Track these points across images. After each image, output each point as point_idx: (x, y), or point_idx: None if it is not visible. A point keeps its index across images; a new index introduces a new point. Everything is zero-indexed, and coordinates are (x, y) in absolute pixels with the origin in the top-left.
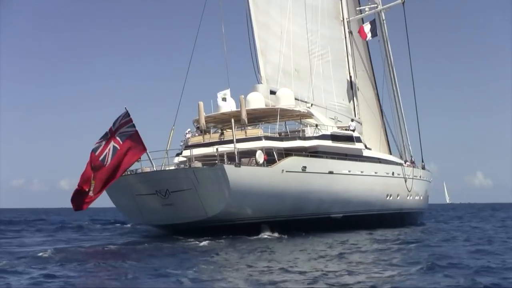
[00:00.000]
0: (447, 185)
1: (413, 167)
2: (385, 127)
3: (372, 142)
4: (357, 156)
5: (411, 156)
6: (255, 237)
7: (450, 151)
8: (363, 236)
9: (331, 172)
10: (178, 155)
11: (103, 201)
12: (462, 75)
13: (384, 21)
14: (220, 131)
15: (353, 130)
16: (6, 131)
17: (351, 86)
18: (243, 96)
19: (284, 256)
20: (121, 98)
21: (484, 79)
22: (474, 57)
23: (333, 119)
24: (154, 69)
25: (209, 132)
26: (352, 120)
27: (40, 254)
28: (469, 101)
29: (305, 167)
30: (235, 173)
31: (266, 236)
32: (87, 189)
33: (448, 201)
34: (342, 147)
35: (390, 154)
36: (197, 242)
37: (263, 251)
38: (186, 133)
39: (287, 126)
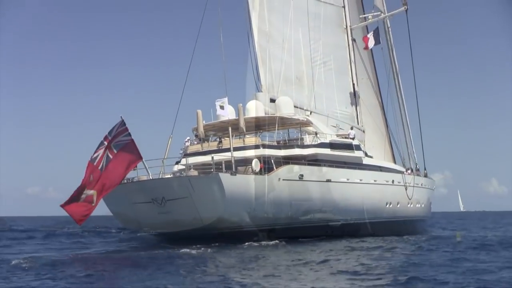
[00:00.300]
0: (461, 193)
1: (417, 175)
2: (389, 135)
3: (376, 150)
4: (356, 164)
5: (416, 164)
6: (247, 244)
7: (465, 159)
8: (353, 243)
9: (329, 180)
10: (177, 163)
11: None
12: (473, 80)
13: (390, 28)
14: (218, 140)
15: (353, 138)
16: (20, 139)
17: (354, 93)
18: (241, 105)
19: (263, 265)
20: (122, 105)
21: (496, 83)
22: (482, 60)
23: (335, 127)
24: (153, 77)
25: (207, 141)
26: (352, 128)
27: (14, 262)
28: (482, 107)
29: (302, 175)
30: (231, 182)
31: (256, 244)
32: (78, 199)
33: (462, 209)
34: (341, 155)
35: (394, 162)
36: (187, 250)
37: (245, 260)
38: (186, 142)
39: (286, 135)
